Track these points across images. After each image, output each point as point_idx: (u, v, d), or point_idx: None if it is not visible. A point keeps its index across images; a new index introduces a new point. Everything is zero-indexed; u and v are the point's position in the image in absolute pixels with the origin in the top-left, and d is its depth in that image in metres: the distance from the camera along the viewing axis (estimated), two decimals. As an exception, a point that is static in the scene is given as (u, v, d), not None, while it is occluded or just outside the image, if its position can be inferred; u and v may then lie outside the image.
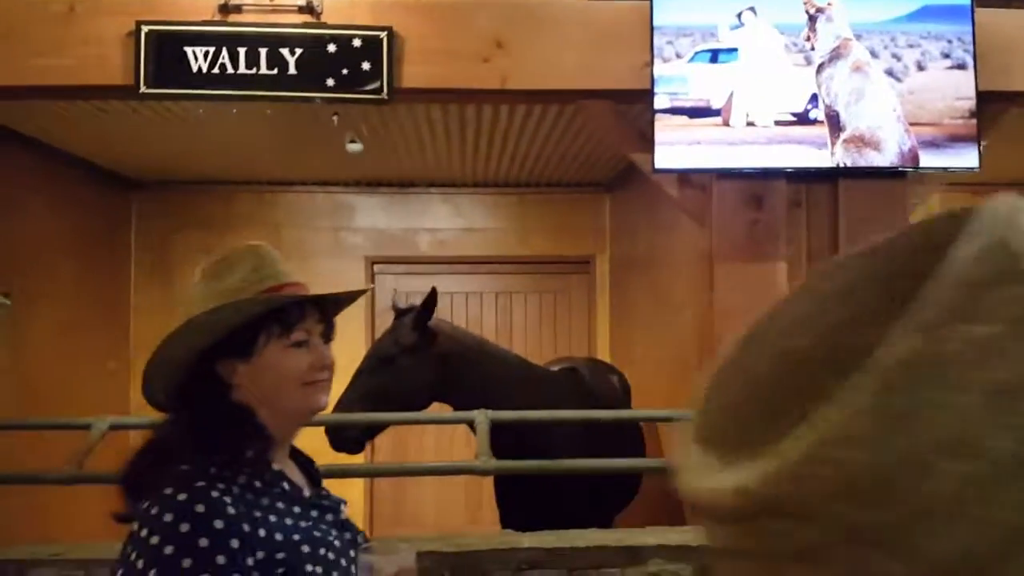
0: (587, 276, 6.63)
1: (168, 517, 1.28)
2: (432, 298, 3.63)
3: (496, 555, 2.90)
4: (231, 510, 1.31)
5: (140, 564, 1.25)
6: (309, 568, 1.36)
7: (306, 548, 1.38)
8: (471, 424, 3.72)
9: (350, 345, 6.48)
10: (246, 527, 1.31)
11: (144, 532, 1.28)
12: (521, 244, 6.54)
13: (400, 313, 3.75)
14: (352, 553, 1.50)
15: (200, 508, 1.28)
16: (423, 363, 3.68)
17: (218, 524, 1.28)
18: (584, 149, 5.18)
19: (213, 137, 5.00)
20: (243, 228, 6.43)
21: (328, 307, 1.59)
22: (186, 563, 1.23)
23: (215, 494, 1.32)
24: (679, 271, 4.59)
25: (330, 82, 2.82)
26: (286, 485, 1.47)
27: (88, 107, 4.15)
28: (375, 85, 2.82)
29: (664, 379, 5.08)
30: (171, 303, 6.33)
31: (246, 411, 1.45)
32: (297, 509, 1.44)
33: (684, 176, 3.08)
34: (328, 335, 1.56)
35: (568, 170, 5.96)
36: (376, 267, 6.53)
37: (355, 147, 4.95)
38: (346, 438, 3.53)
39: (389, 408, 3.68)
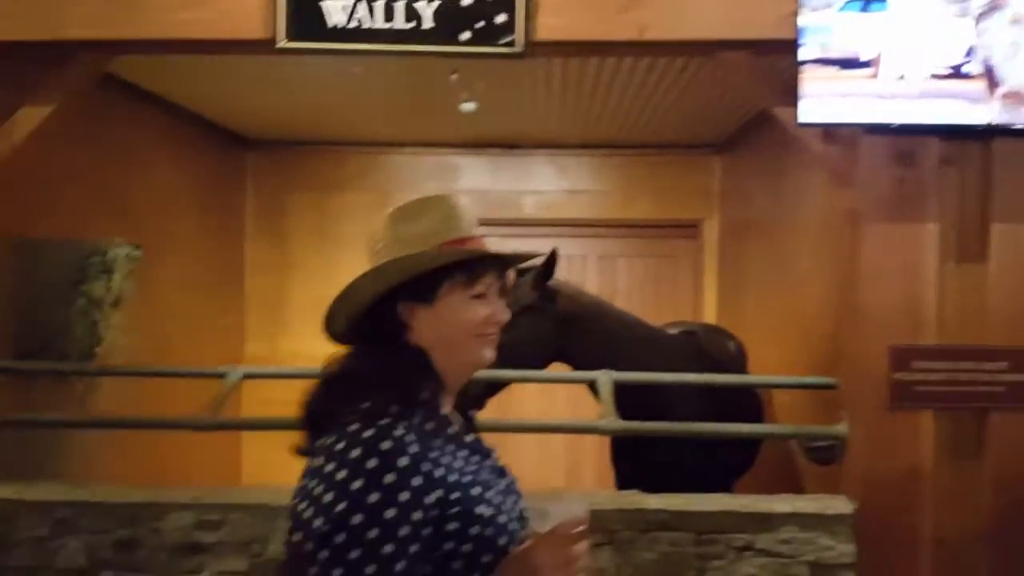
0: (694, 241, 6.50)
1: (355, 453, 1.29)
2: (553, 258, 3.61)
3: (623, 515, 2.89)
4: (413, 448, 1.32)
5: (328, 497, 1.26)
6: (480, 510, 1.36)
7: (477, 490, 1.39)
8: (592, 385, 3.70)
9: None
10: (425, 466, 1.32)
11: (331, 467, 1.30)
12: (626, 207, 6.45)
13: (520, 272, 3.73)
14: (514, 499, 1.50)
15: (386, 445, 1.30)
16: (543, 322, 3.66)
17: (402, 462, 1.29)
18: (704, 105, 5.05)
19: (331, 97, 5.06)
20: (353, 190, 6.54)
21: (504, 265, 1.60)
22: (372, 498, 1.25)
23: (398, 432, 1.33)
24: (807, 235, 4.44)
25: (464, 36, 2.79)
26: (452, 430, 1.48)
27: (214, 64, 4.24)
28: (509, 38, 2.77)
29: (779, 347, 4.95)
30: (284, 262, 6.49)
31: (423, 353, 1.46)
32: (463, 453, 1.46)
33: (828, 131, 2.96)
34: (503, 291, 1.57)
35: (678, 130, 5.82)
36: (480, 229, 6.52)
37: (469, 106, 4.94)
38: (468, 395, 3.55)
39: (507, 367, 3.68)
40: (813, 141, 3.01)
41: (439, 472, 1.34)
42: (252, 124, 5.97)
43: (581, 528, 1.32)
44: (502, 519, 1.39)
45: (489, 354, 1.54)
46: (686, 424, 3.28)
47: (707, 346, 4.23)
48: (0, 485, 3.04)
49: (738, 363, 4.37)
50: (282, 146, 6.48)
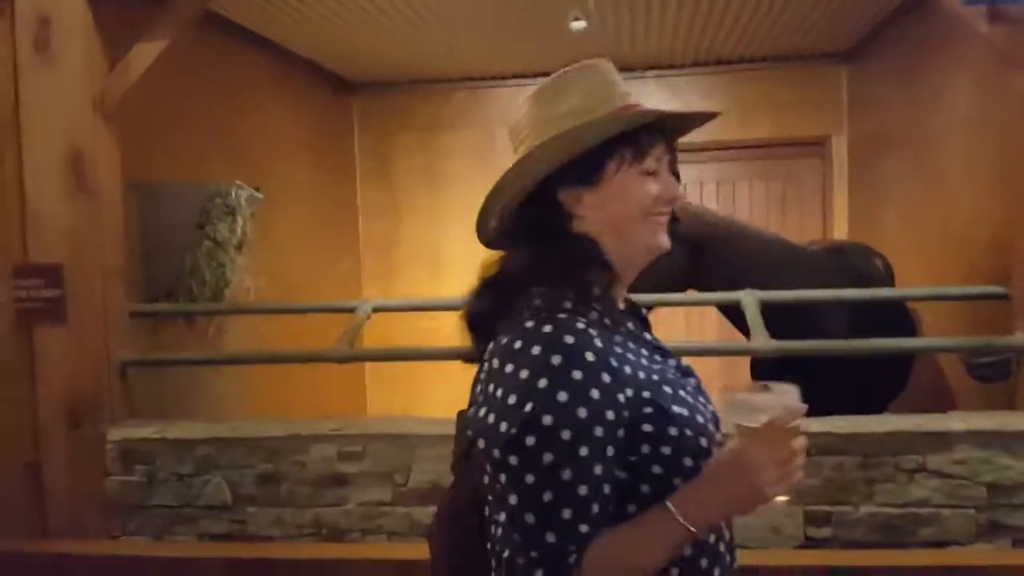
0: (820, 159, 6.13)
1: (536, 350, 1.15)
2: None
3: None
4: (598, 343, 1.17)
5: (511, 400, 1.13)
6: (676, 409, 1.21)
7: (667, 389, 1.23)
8: (728, 312, 3.50)
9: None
10: (613, 362, 1.17)
11: (510, 367, 1.16)
12: (744, 127, 6.10)
13: None
14: (704, 399, 1.33)
15: (569, 339, 1.15)
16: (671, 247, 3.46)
17: (589, 356, 1.14)
18: (826, 8, 4.68)
19: (433, 33, 4.91)
20: (459, 127, 6.41)
21: (673, 136, 1.39)
22: (561, 397, 1.10)
23: (580, 325, 1.18)
24: (955, 138, 4.08)
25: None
26: (631, 325, 1.32)
27: (320, 7, 4.15)
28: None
29: (926, 263, 4.61)
30: (394, 205, 6.44)
31: (592, 242, 1.30)
32: (644, 351, 1.29)
33: (995, 9, 2.64)
34: (674, 166, 1.37)
35: (797, 40, 5.44)
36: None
37: (579, 25, 4.70)
38: None
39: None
40: (978, 22, 2.69)
41: (627, 369, 1.19)
42: (356, 67, 5.88)
43: (799, 420, 1.14)
44: (699, 419, 1.23)
45: (664, 239, 1.35)
46: (846, 342, 3.04)
47: (855, 263, 3.95)
48: (141, 425, 3.07)
49: (887, 282, 4.07)
50: (386, 88, 6.38)
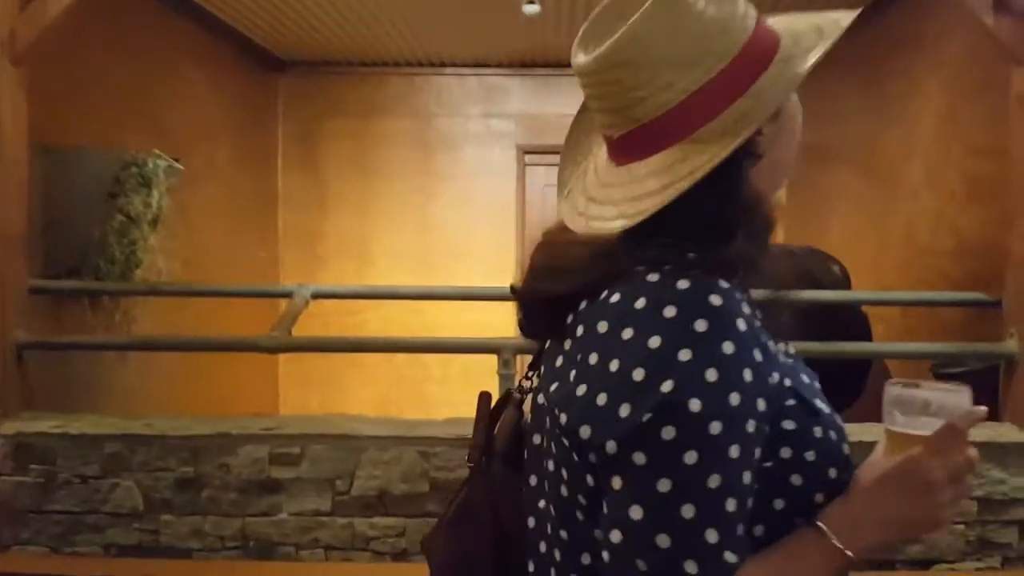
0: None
1: (671, 311, 0.82)
2: None
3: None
4: (746, 309, 0.84)
5: (637, 375, 0.80)
6: (820, 405, 0.91)
7: (806, 379, 0.94)
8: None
9: (504, 230, 6.11)
10: (763, 337, 0.87)
11: (628, 332, 0.83)
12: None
13: None
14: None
15: (715, 300, 0.82)
16: None
17: (740, 325, 0.82)
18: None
19: (375, 11, 4.59)
20: (391, 115, 6.09)
21: None
22: (711, 376, 0.79)
23: (726, 284, 0.85)
24: (920, 145, 3.99)
25: None
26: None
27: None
28: None
29: (882, 272, 4.55)
30: (320, 195, 6.06)
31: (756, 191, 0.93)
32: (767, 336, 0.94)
33: (1002, 1, 2.52)
34: None
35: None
36: (527, 157, 6.09)
37: (532, 8, 4.46)
38: None
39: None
40: (983, 13, 2.56)
41: (772, 348, 0.89)
42: (288, 41, 5.49)
43: (974, 424, 0.88)
44: (839, 420, 0.93)
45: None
46: (832, 344, 2.86)
47: (810, 267, 3.80)
48: (38, 418, 2.64)
49: (845, 287, 3.94)
50: (317, 68, 6.01)
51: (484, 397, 1.14)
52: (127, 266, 3.55)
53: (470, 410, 1.18)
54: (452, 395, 5.07)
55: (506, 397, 1.13)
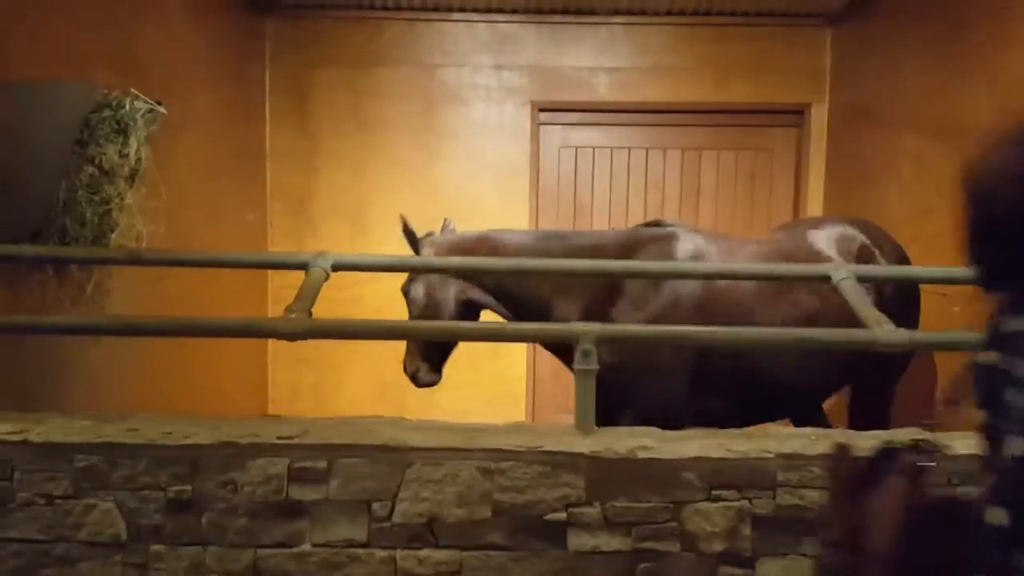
0: (797, 130, 5.54)
1: None
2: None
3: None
4: None
5: None
6: None
7: None
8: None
9: (516, 195, 5.58)
10: None
11: None
12: (718, 88, 5.45)
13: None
14: None
15: None
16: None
17: None
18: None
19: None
20: (390, 65, 5.48)
21: None
22: None
23: None
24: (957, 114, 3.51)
25: None
26: None
27: None
28: None
29: (942, 246, 4.08)
30: (311, 151, 5.46)
31: None
32: None
33: None
34: None
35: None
36: (542, 115, 5.53)
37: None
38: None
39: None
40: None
41: None
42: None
43: None
44: None
45: None
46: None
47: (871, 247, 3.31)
48: (-7, 418, 2.09)
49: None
50: (309, 10, 5.37)
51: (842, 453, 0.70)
52: (100, 229, 2.96)
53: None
54: (459, 376, 4.56)
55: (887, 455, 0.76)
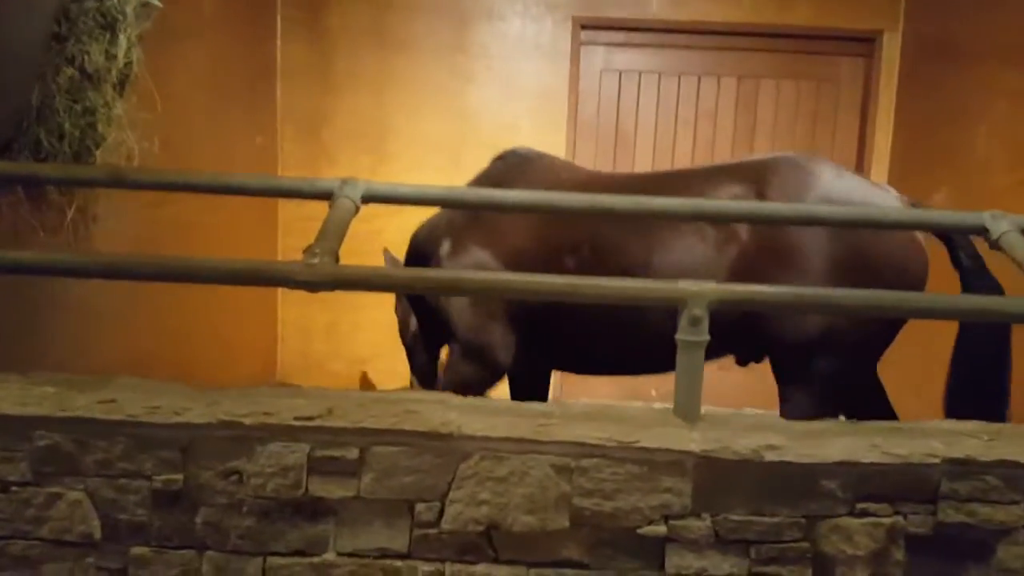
0: (866, 60, 4.97)
1: None
2: None
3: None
4: None
5: None
6: None
7: None
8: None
9: (552, 124, 5.06)
10: None
11: None
12: (781, 9, 4.87)
13: None
14: None
15: None
16: None
17: None
18: None
19: None
20: (418, -23, 4.91)
21: None
22: None
23: None
24: None
25: None
26: None
27: None
28: None
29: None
30: (327, 71, 4.92)
31: None
32: None
33: None
34: None
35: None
36: (584, 33, 4.96)
37: None
38: None
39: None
40: None
41: None
42: None
43: None
44: None
45: None
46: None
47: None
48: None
49: None
50: (326, -93, 4.80)
51: None
52: (82, 144, 2.48)
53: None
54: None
55: None
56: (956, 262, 2.48)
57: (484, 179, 3.13)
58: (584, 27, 4.93)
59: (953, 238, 2.45)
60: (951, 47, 4.24)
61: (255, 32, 4.57)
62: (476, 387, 2.81)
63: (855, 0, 4.85)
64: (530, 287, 1.62)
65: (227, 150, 4.10)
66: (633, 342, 2.48)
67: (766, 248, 2.37)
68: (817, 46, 4.96)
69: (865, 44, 4.93)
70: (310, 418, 1.53)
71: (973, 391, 2.44)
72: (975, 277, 2.44)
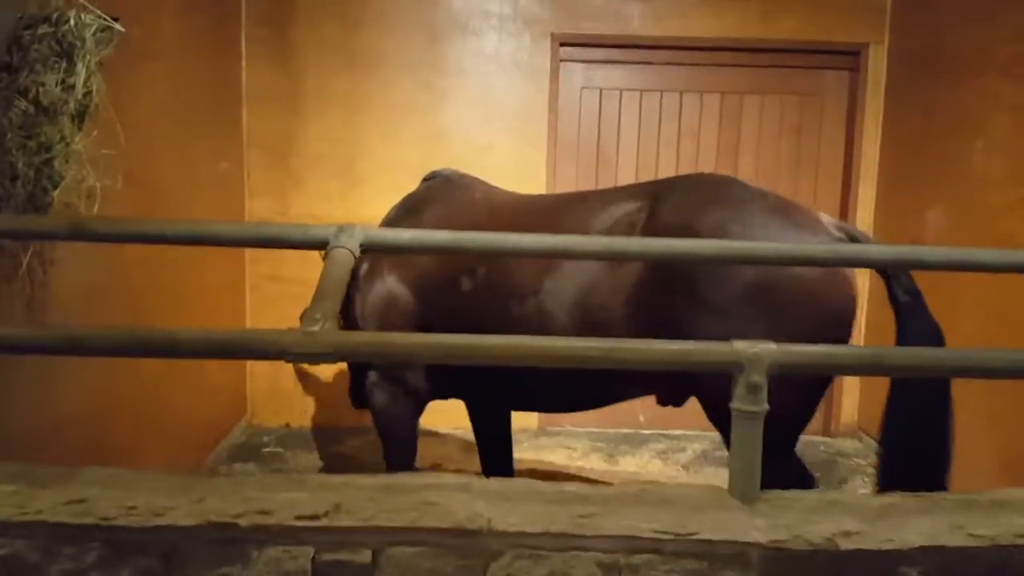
0: (852, 73, 4.87)
1: None
2: None
3: None
4: None
5: None
6: None
7: None
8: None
9: (531, 144, 4.88)
10: None
11: None
12: (765, 24, 4.76)
13: None
14: None
15: None
16: None
17: None
18: None
19: None
20: (387, -11, 4.71)
21: None
22: None
23: None
24: None
25: None
26: None
27: None
28: None
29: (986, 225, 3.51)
30: (295, 92, 4.70)
31: None
32: None
33: None
34: None
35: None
36: (563, 50, 4.80)
37: None
38: None
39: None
40: None
41: None
42: None
43: None
44: None
45: None
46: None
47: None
48: None
49: None
50: (293, -80, 4.58)
51: None
52: (38, 185, 2.24)
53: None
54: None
55: None
56: (892, 298, 2.32)
57: (408, 200, 3.24)
58: (563, 44, 4.77)
59: (889, 271, 2.31)
60: (943, 59, 4.14)
61: (219, 53, 4.34)
62: (398, 410, 2.90)
63: (840, 13, 4.75)
64: (562, 353, 1.42)
65: (192, 179, 3.87)
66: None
67: (667, 272, 2.26)
68: (801, 60, 4.85)
69: (850, 57, 4.83)
70: (314, 516, 1.32)
71: (909, 457, 2.27)
72: (911, 316, 2.27)
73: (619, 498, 1.39)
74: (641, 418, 4.99)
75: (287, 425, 4.66)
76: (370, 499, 1.36)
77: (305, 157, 4.74)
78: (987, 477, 3.65)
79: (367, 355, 1.49)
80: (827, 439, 4.95)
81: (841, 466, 4.51)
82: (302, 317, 1.44)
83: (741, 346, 1.37)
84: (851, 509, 1.39)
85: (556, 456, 4.50)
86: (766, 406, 1.38)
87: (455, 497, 1.37)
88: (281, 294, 4.54)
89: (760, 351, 1.36)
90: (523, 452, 4.54)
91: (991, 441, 3.62)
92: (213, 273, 4.01)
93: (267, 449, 4.34)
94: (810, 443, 4.85)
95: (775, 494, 1.41)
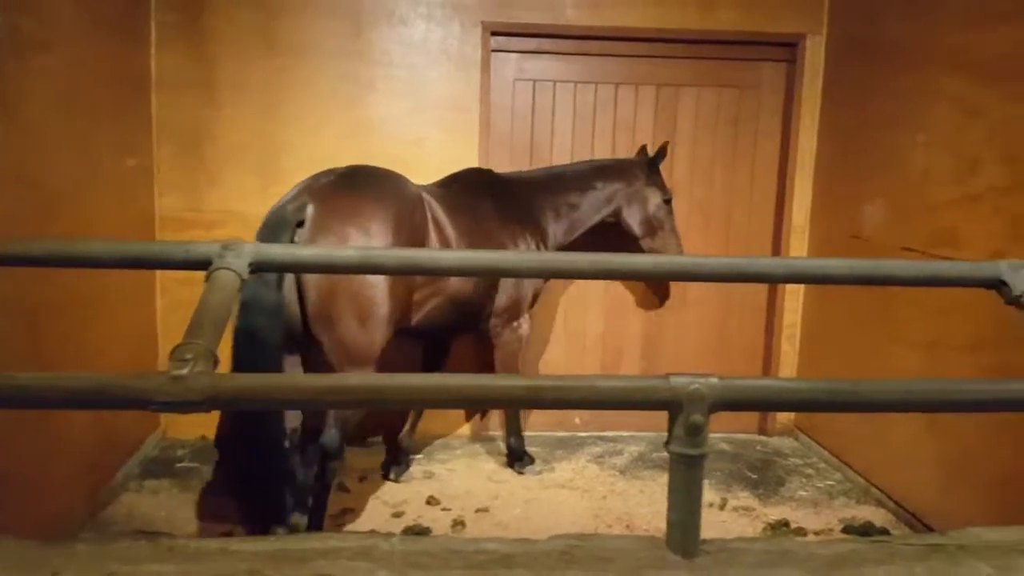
0: (788, 65, 4.78)
1: None
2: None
3: None
4: None
5: None
6: None
7: None
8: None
9: (462, 136, 4.67)
10: None
11: None
12: (702, 15, 4.63)
13: None
14: None
15: None
16: None
17: None
18: None
19: None
20: (309, -27, 4.44)
21: None
22: None
23: None
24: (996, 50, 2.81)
25: None
26: None
27: None
28: None
29: (928, 221, 3.45)
30: (209, 80, 4.41)
31: None
32: None
33: None
34: None
35: None
36: (495, 40, 4.61)
37: None
38: None
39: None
40: None
41: None
42: None
43: None
44: None
45: None
46: None
47: None
48: None
49: None
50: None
51: None
52: None
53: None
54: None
55: None
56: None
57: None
58: (495, 33, 4.57)
59: None
60: (883, 51, 4.06)
61: (124, 40, 4.03)
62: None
63: (777, 4, 4.65)
64: (490, 393, 1.23)
65: (94, 178, 3.58)
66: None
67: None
68: (738, 51, 4.73)
69: (787, 49, 4.73)
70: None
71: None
72: None
73: (546, 558, 1.21)
74: (577, 420, 4.85)
75: (203, 437, 4.38)
76: (249, 572, 1.15)
77: (220, 151, 4.46)
78: (929, 482, 3.59)
79: (248, 402, 1.27)
80: (764, 438, 4.87)
81: (778, 466, 4.43)
82: (172, 353, 1.22)
83: (680, 382, 1.20)
84: (800, 560, 1.23)
85: (489, 464, 4.32)
86: (707, 448, 1.21)
87: (355, 569, 1.17)
88: (194, 298, 4.25)
89: (701, 387, 1.19)
90: (456, 460, 4.35)
91: (931, 443, 3.56)
92: (118, 277, 3.72)
93: (181, 464, 4.07)
94: (746, 442, 4.77)
95: (718, 544, 1.25)
